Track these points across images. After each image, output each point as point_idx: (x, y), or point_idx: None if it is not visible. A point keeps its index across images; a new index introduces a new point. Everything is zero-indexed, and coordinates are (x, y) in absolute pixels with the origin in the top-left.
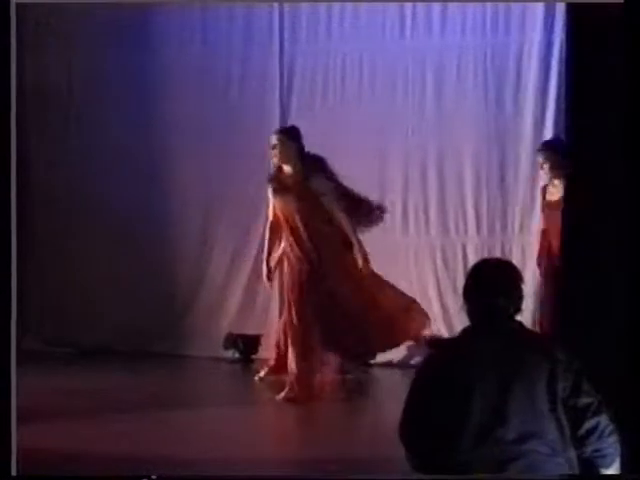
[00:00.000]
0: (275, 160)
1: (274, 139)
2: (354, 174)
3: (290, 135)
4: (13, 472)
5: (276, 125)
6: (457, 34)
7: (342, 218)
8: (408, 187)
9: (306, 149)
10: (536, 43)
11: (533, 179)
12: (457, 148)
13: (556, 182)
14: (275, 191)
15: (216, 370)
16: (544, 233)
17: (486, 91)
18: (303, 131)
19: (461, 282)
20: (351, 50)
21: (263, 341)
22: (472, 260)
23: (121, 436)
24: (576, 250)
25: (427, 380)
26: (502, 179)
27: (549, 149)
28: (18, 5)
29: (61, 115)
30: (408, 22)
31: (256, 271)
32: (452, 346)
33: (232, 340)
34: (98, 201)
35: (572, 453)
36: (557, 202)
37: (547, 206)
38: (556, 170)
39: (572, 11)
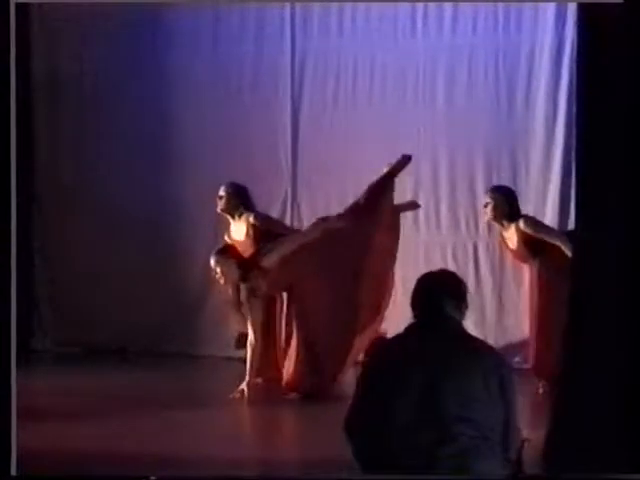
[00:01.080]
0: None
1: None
2: (364, 172)
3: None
4: (13, 472)
5: (288, 123)
6: (468, 33)
7: None
8: (419, 185)
9: (315, 148)
10: (547, 42)
11: (544, 178)
12: (468, 147)
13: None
14: None
15: (228, 370)
16: None
17: (497, 90)
18: (313, 129)
19: (472, 280)
20: (362, 49)
21: None
22: (483, 259)
23: (130, 436)
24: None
25: (368, 376)
26: (513, 178)
27: (496, 192)
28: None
29: (72, 111)
30: (419, 21)
31: None
32: (393, 344)
33: (244, 340)
34: (109, 199)
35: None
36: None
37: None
38: (498, 213)
39: (583, 10)
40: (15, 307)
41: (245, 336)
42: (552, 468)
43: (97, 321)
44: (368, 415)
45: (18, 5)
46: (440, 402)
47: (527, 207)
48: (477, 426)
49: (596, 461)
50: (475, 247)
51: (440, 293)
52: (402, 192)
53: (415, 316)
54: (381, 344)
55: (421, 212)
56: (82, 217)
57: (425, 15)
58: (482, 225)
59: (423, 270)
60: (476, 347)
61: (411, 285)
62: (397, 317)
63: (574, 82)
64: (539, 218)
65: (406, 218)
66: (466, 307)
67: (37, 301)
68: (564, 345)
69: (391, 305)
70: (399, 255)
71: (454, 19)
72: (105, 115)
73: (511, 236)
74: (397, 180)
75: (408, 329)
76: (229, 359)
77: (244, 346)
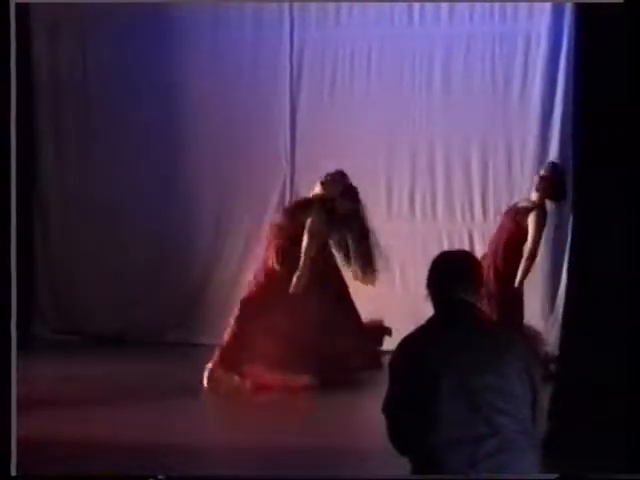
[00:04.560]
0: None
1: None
2: (362, 161)
3: None
4: (13, 472)
5: (286, 111)
6: (465, 22)
7: None
8: (415, 173)
9: (313, 137)
10: (544, 30)
11: (540, 167)
12: (464, 135)
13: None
14: None
15: None
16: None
17: (494, 78)
18: (311, 118)
19: None
20: (360, 38)
21: None
22: (479, 246)
23: (131, 425)
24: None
25: (400, 368)
26: (509, 166)
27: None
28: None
29: (76, 110)
30: (417, 10)
31: None
32: (419, 336)
33: None
34: (111, 190)
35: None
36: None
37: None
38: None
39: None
40: (15, 301)
41: None
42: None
43: (96, 310)
44: (404, 411)
45: (18, 5)
46: (477, 395)
47: (522, 195)
48: (515, 418)
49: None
50: (470, 235)
51: (458, 275)
52: (399, 179)
53: (431, 297)
54: (408, 336)
55: (417, 199)
56: (85, 209)
57: (422, 4)
58: (477, 213)
59: (420, 258)
60: (501, 333)
61: (409, 272)
62: (396, 304)
63: (571, 71)
64: None
65: (402, 207)
66: (482, 288)
67: (37, 289)
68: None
69: (389, 292)
70: (394, 243)
71: (451, 8)
72: (106, 113)
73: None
74: (395, 167)
75: (431, 320)
76: None
77: None
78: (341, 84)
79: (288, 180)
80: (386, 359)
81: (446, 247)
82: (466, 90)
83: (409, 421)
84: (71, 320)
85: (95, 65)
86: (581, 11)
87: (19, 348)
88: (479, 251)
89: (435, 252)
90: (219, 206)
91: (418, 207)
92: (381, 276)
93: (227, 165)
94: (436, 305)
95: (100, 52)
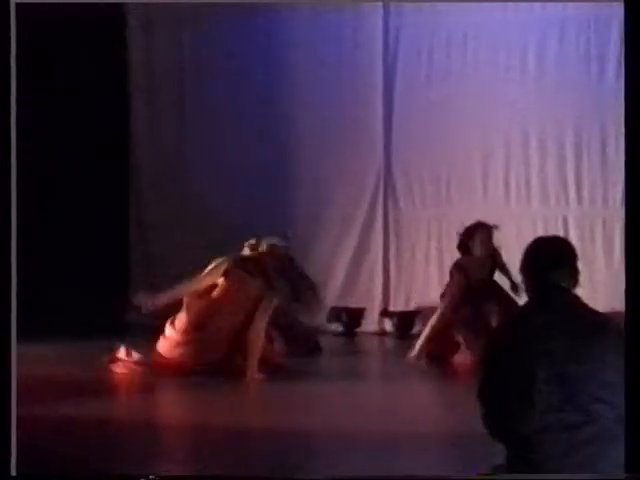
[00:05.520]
0: None
1: None
2: (456, 145)
3: None
4: (13, 472)
5: (380, 98)
6: (559, 5)
7: None
8: (510, 158)
9: (411, 124)
10: None
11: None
12: (558, 119)
13: None
14: None
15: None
16: None
17: (588, 62)
18: (407, 104)
19: None
20: (455, 24)
21: (367, 314)
22: (573, 232)
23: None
24: None
25: (494, 353)
26: (603, 151)
27: None
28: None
29: (170, 100)
30: None
31: (362, 246)
32: (514, 321)
33: (336, 313)
34: (204, 176)
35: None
36: None
37: None
38: None
39: None
40: (15, 303)
41: (337, 310)
42: None
43: None
44: (498, 397)
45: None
46: (573, 382)
47: (618, 183)
48: (611, 406)
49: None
50: (565, 220)
51: (553, 261)
52: (494, 164)
53: (525, 283)
54: (502, 322)
55: (512, 185)
56: (175, 189)
57: None
58: (572, 198)
59: (514, 242)
60: (597, 319)
61: (511, 255)
62: None
63: None
64: None
65: (498, 193)
66: (577, 273)
67: (131, 275)
68: None
69: None
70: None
71: None
72: (201, 107)
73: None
74: (489, 151)
75: (525, 306)
76: (321, 333)
77: (336, 320)
78: (437, 70)
79: (382, 169)
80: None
81: (541, 233)
82: (560, 76)
83: (504, 407)
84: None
85: (191, 57)
86: None
87: (114, 329)
88: (574, 237)
89: (530, 238)
90: (314, 194)
91: (513, 193)
92: None
93: (324, 155)
94: (530, 291)
95: (197, 50)
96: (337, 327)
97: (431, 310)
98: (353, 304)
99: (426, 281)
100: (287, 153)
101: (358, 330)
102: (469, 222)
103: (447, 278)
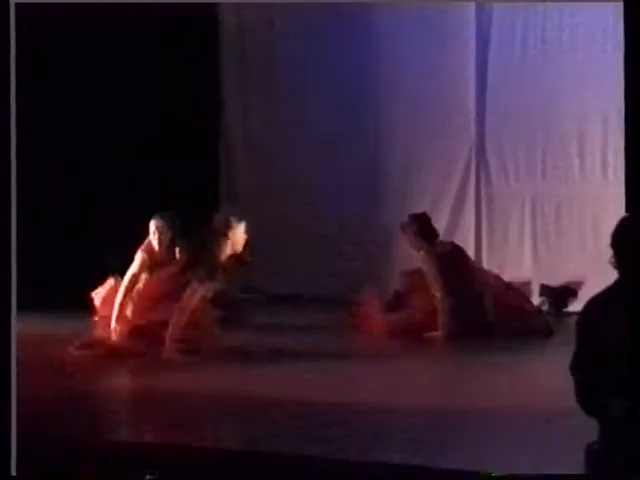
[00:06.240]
0: None
1: None
2: (553, 119)
3: None
4: (13, 472)
5: (472, 74)
6: None
7: None
8: (606, 134)
9: (505, 101)
10: None
11: None
12: None
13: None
14: None
15: None
16: None
17: None
18: (501, 80)
19: None
20: (552, 6)
21: None
22: None
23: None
24: None
25: (586, 328)
26: None
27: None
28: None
29: (264, 91)
30: None
31: (453, 222)
32: (606, 297)
33: None
34: (295, 153)
35: None
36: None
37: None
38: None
39: None
40: (15, 285)
41: None
42: None
43: (278, 269)
44: (591, 371)
45: None
46: None
47: None
48: None
49: None
50: None
51: None
52: (591, 141)
53: (616, 259)
54: (594, 297)
55: (610, 163)
56: (268, 167)
57: None
58: None
59: (611, 217)
60: None
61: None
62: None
63: None
64: None
65: (595, 170)
66: None
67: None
68: None
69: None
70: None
71: None
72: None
73: None
74: (587, 131)
75: (617, 282)
76: None
77: None
78: (532, 45)
79: (474, 148)
80: None
81: None
82: None
83: (596, 382)
84: (253, 279)
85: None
86: None
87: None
88: None
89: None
90: (404, 171)
91: (610, 170)
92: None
93: (412, 135)
94: (621, 267)
95: (291, 48)
96: None
97: (525, 286)
98: None
99: (519, 258)
100: (379, 130)
101: None
102: (565, 198)
103: (541, 254)
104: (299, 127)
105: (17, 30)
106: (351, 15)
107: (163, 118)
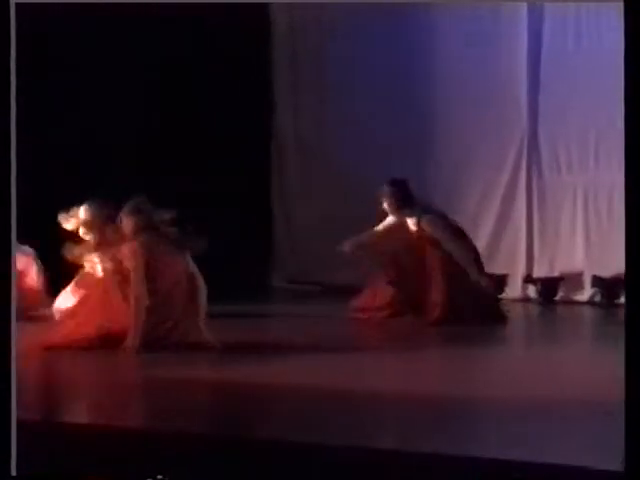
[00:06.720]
0: None
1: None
2: (604, 111)
3: None
4: (13, 472)
5: (524, 67)
6: None
7: None
8: None
9: (558, 92)
10: None
11: None
12: None
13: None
14: None
15: None
16: None
17: None
18: (554, 72)
19: None
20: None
21: (509, 280)
22: None
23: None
24: None
25: None
26: None
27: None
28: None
29: (315, 91)
30: None
31: (504, 211)
32: None
33: None
34: (344, 148)
35: None
36: None
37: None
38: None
39: None
40: (15, 293)
41: None
42: None
43: (332, 261)
44: None
45: None
46: None
47: None
48: None
49: None
50: None
51: None
52: None
53: None
54: None
55: None
56: (319, 163)
57: None
58: None
59: None
60: None
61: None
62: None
63: None
64: None
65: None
66: None
67: (274, 241)
68: None
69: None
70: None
71: None
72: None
73: None
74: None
75: None
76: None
77: None
78: (587, 35)
79: (527, 135)
80: None
81: None
82: None
83: None
84: (308, 270)
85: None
86: None
87: (258, 299)
88: None
89: None
90: (456, 160)
91: None
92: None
93: (463, 124)
94: None
95: (341, 48)
96: None
97: (577, 278)
98: (496, 270)
99: (571, 249)
100: (431, 121)
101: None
102: (617, 189)
103: (592, 245)
104: (350, 127)
105: (17, 30)
106: (402, 14)
107: (215, 119)
